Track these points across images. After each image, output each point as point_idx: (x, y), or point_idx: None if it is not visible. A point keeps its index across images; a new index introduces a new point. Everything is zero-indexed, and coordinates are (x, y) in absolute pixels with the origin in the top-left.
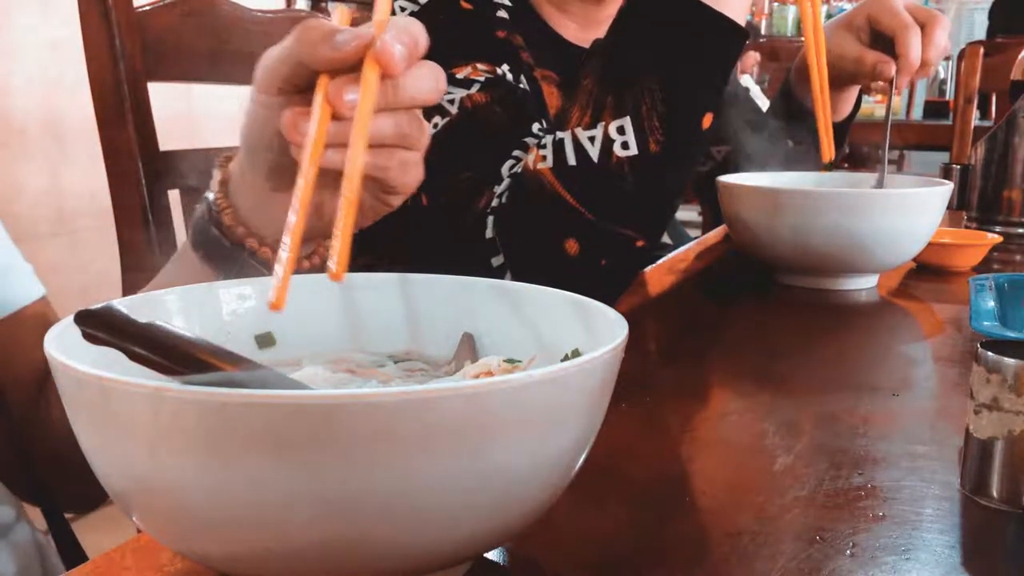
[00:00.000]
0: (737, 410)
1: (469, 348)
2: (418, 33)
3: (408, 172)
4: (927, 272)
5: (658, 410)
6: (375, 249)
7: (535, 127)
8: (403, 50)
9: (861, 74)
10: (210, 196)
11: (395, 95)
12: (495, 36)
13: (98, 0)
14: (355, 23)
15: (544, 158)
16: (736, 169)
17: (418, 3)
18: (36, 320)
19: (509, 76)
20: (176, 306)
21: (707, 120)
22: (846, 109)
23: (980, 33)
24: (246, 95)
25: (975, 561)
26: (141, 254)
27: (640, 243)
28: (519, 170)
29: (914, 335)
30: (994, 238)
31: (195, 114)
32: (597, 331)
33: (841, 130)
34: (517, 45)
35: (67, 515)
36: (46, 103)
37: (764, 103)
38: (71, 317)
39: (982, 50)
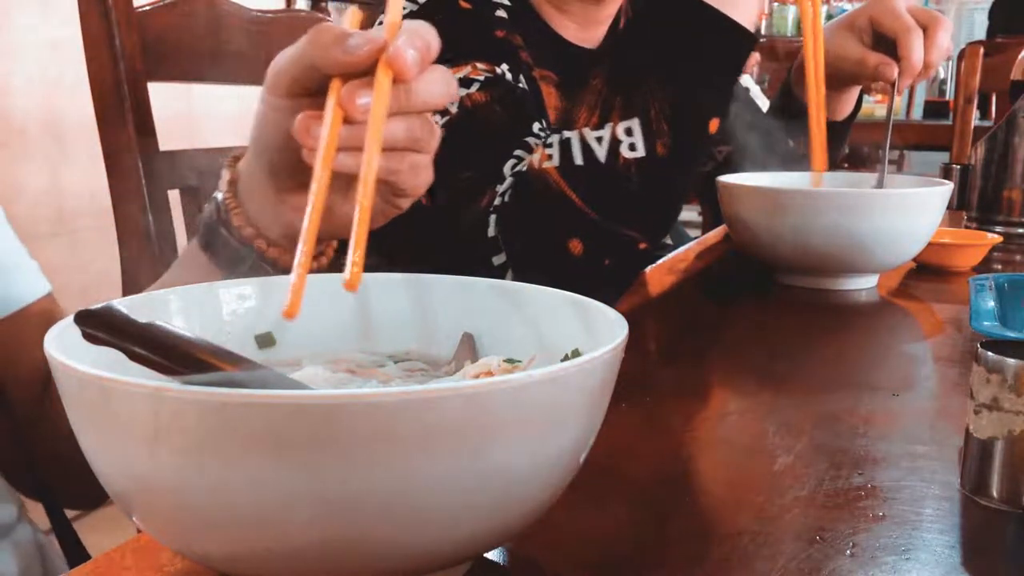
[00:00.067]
0: (737, 410)
1: (469, 348)
2: (430, 37)
3: (418, 175)
4: (927, 272)
5: (658, 410)
6: (376, 249)
7: (535, 127)
8: (416, 55)
9: (863, 75)
10: (219, 196)
11: (407, 99)
12: (494, 36)
13: (98, 0)
14: (363, 25)
15: (550, 157)
16: (736, 169)
17: (417, 2)
18: (42, 317)
19: (508, 76)
20: (176, 306)
21: (714, 124)
22: (847, 109)
23: (980, 33)
24: (246, 95)
25: (975, 561)
26: (141, 254)
27: (643, 245)
28: (523, 169)
29: (914, 335)
30: (994, 238)
31: (195, 114)
32: (597, 331)
33: (842, 130)
34: (516, 45)
35: (69, 514)
36: (46, 103)
37: (764, 103)
38: (71, 317)
39: (982, 50)
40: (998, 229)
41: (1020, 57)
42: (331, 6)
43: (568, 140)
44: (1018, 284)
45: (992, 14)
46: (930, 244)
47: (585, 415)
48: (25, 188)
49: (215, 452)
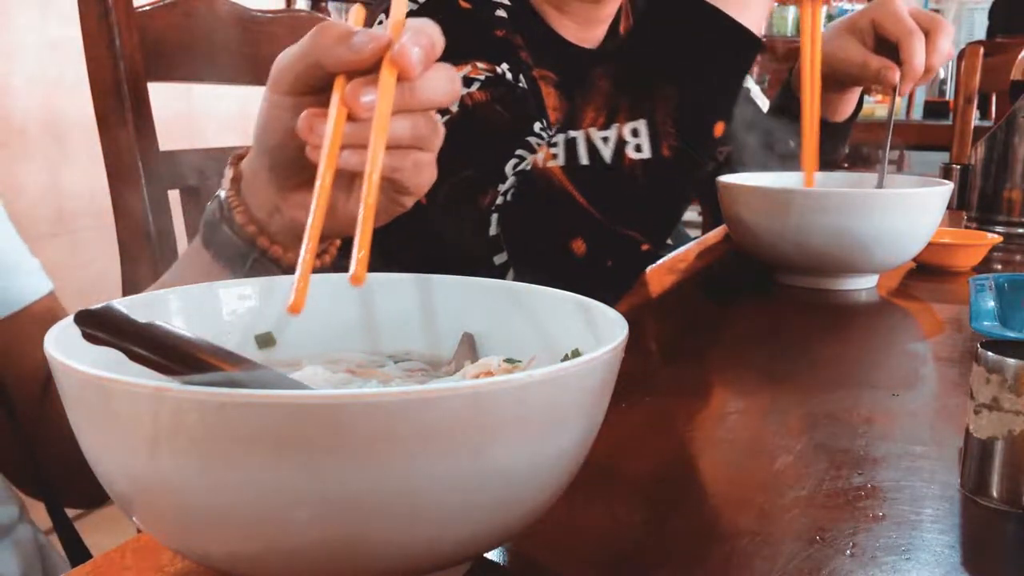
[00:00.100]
0: (737, 410)
1: (469, 348)
2: (435, 35)
3: (421, 173)
4: (927, 272)
5: (658, 410)
6: (377, 247)
7: (536, 126)
8: (420, 53)
9: (865, 79)
10: (222, 194)
11: (412, 97)
12: (494, 35)
13: (98, 0)
14: (366, 24)
15: (555, 156)
16: (737, 169)
17: (417, 2)
18: (43, 316)
19: (508, 75)
20: (176, 306)
21: (719, 128)
22: (848, 110)
23: (980, 33)
24: (246, 95)
25: (975, 561)
26: (141, 254)
27: (645, 246)
28: (528, 168)
29: (914, 335)
30: (994, 238)
31: (195, 114)
32: (597, 331)
33: (843, 130)
34: (516, 44)
35: (69, 513)
36: (46, 103)
37: (764, 103)
38: (71, 317)
39: (982, 50)
40: (998, 229)
41: (1020, 57)
42: (331, 6)
43: (574, 140)
44: (1018, 284)
45: (992, 14)
46: (930, 244)
47: (585, 415)
48: (25, 188)
49: (215, 452)
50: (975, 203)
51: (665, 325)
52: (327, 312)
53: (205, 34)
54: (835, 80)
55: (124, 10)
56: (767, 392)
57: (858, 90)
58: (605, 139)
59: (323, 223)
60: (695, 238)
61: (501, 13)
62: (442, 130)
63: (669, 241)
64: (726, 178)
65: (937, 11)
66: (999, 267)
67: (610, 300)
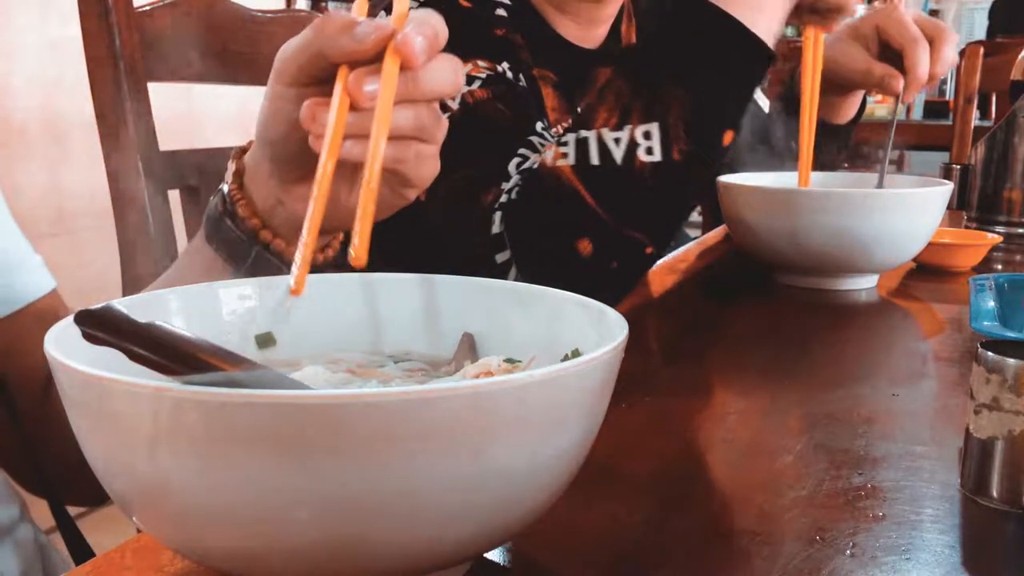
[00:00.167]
0: (737, 410)
1: (469, 348)
2: (438, 26)
3: (424, 165)
4: (927, 272)
5: (658, 410)
6: (377, 245)
7: (539, 126)
8: (423, 42)
9: (868, 85)
10: (224, 188)
11: (415, 87)
12: (494, 34)
13: (98, 0)
14: (369, 15)
15: (565, 155)
16: (738, 169)
17: (416, 0)
18: (46, 314)
19: (509, 74)
20: (176, 306)
21: (728, 136)
22: (850, 112)
23: (980, 33)
24: (246, 95)
25: (975, 561)
26: (141, 254)
27: (649, 250)
28: (535, 166)
29: (914, 335)
30: (994, 238)
31: (195, 114)
32: (597, 331)
33: (845, 132)
34: (516, 43)
35: (71, 512)
36: (46, 103)
37: (765, 103)
38: (71, 317)
39: (982, 50)
40: (998, 229)
41: (1020, 57)
42: (330, 6)
43: (585, 139)
44: (1018, 284)
45: (992, 14)
46: (930, 244)
47: (585, 415)
48: (25, 188)
49: (215, 452)
50: (975, 203)
51: (665, 325)
52: (327, 312)
53: (205, 34)
54: (839, 85)
55: (124, 10)
56: (767, 392)
57: (861, 93)
58: (617, 140)
59: (326, 215)
60: (695, 238)
61: (501, 12)
62: (445, 122)
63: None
64: (726, 178)
65: (937, 11)
66: (999, 267)
67: (611, 301)
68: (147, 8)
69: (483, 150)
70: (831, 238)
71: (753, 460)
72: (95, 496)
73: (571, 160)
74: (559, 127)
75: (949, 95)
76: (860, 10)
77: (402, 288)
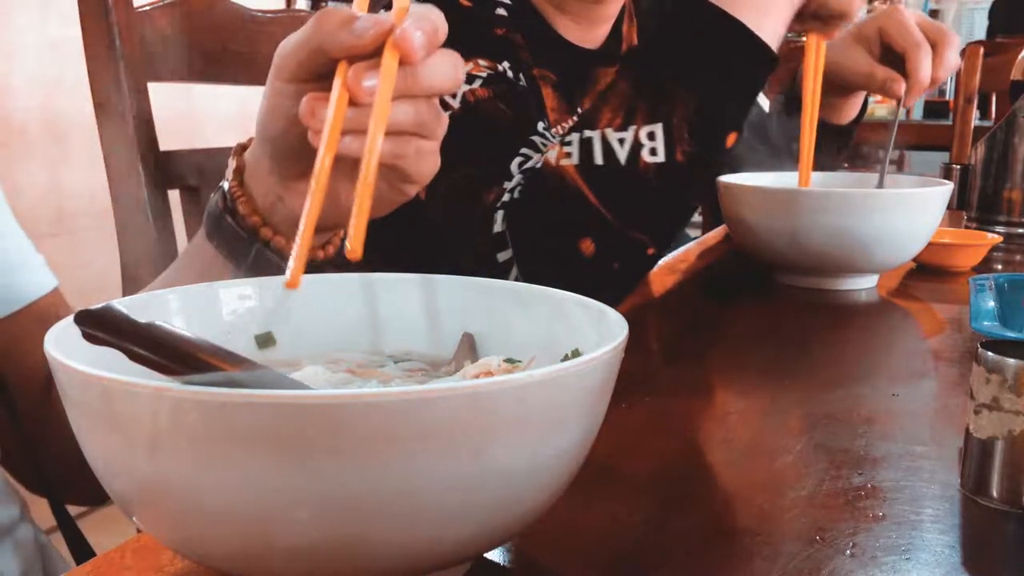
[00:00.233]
0: (737, 410)
1: (469, 348)
2: (438, 21)
3: (424, 161)
4: (927, 272)
5: (658, 410)
6: (377, 243)
7: (540, 125)
8: (423, 37)
9: (870, 88)
10: (225, 185)
11: (414, 82)
12: (494, 33)
13: (98, 0)
14: (369, 10)
15: (569, 155)
16: (738, 169)
17: None
18: (48, 313)
19: (509, 73)
20: (176, 306)
21: (731, 139)
22: (852, 113)
23: (980, 33)
24: (246, 95)
25: (975, 561)
26: (141, 254)
27: (651, 251)
28: (537, 166)
29: (914, 335)
30: (994, 238)
31: (195, 114)
32: (597, 331)
33: (847, 132)
34: (516, 43)
35: (71, 512)
36: (46, 103)
37: (765, 103)
38: (71, 317)
39: (982, 50)
40: (998, 229)
41: (1020, 57)
42: (330, 6)
43: (589, 139)
44: (1018, 284)
45: (992, 14)
46: (930, 244)
47: (585, 415)
48: (25, 188)
49: (215, 452)
50: (975, 203)
51: (665, 325)
52: (327, 312)
53: (205, 34)
54: (841, 87)
55: (124, 10)
56: (767, 392)
57: (863, 94)
58: (621, 140)
59: (325, 212)
60: (695, 238)
61: (501, 12)
62: (445, 119)
63: None
64: (726, 178)
65: (937, 11)
66: (999, 267)
67: (612, 302)
68: (147, 8)
69: (484, 149)
70: (831, 238)
71: (753, 460)
72: (95, 496)
73: (575, 160)
74: (559, 127)
75: (949, 95)
76: (862, 15)
77: (402, 288)
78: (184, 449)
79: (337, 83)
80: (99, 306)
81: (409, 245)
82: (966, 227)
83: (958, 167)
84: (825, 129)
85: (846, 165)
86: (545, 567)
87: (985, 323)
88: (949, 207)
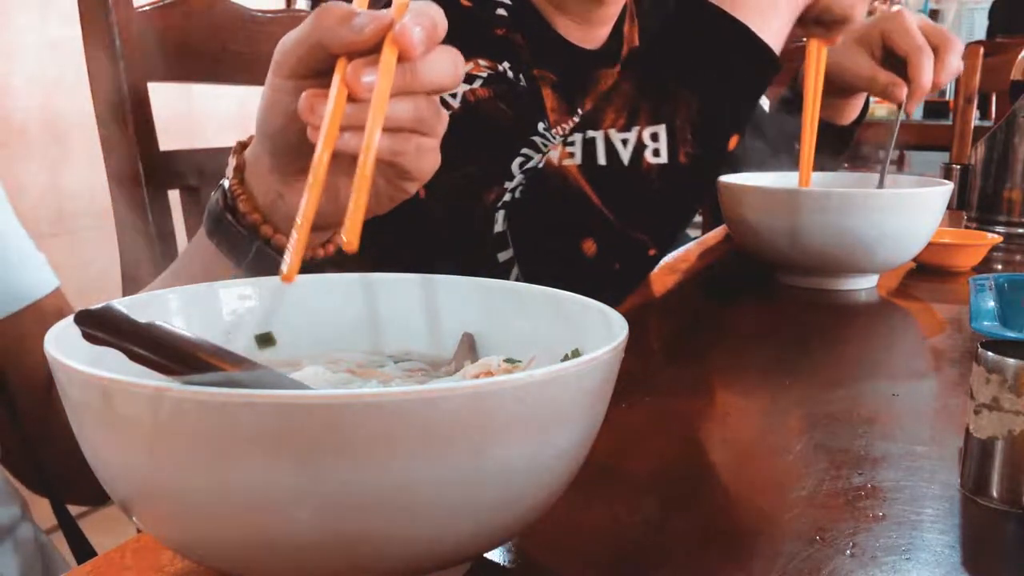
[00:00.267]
0: (737, 410)
1: (469, 348)
2: (437, 17)
3: (424, 158)
4: (927, 272)
5: (658, 410)
6: (377, 242)
7: (540, 126)
8: (422, 33)
9: (872, 92)
10: (225, 183)
11: (413, 78)
12: (494, 33)
13: (98, 0)
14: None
15: (572, 155)
16: (738, 169)
17: None
18: (50, 313)
19: (510, 74)
20: (176, 306)
21: (733, 141)
22: (853, 114)
23: (980, 33)
24: (246, 95)
25: (975, 561)
26: (141, 254)
27: (652, 252)
28: (540, 165)
29: (914, 335)
30: (994, 238)
31: (195, 114)
32: (597, 331)
33: (848, 132)
34: (516, 43)
35: (72, 511)
36: (46, 103)
37: (765, 103)
38: (71, 317)
39: (982, 50)
40: (998, 229)
41: (1020, 57)
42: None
43: (593, 139)
44: (1018, 284)
45: (992, 14)
46: (930, 244)
47: (585, 415)
48: (25, 188)
49: (215, 452)
50: (975, 203)
51: (666, 325)
52: (327, 312)
53: (205, 34)
54: (843, 89)
55: (124, 10)
56: (767, 392)
57: (864, 95)
58: (624, 141)
59: (326, 210)
60: (695, 238)
61: (501, 12)
62: (445, 116)
63: None
64: (726, 178)
65: (937, 11)
66: (999, 267)
67: (612, 302)
68: (147, 8)
69: (485, 148)
70: (832, 238)
71: (753, 460)
72: (96, 496)
73: (578, 160)
74: (560, 128)
75: (949, 95)
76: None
77: (402, 288)
78: (184, 449)
79: (336, 79)
80: (99, 306)
81: (409, 244)
82: (966, 227)
83: (958, 167)
84: (826, 130)
85: (846, 165)
86: (545, 567)
87: (985, 323)
88: (949, 207)
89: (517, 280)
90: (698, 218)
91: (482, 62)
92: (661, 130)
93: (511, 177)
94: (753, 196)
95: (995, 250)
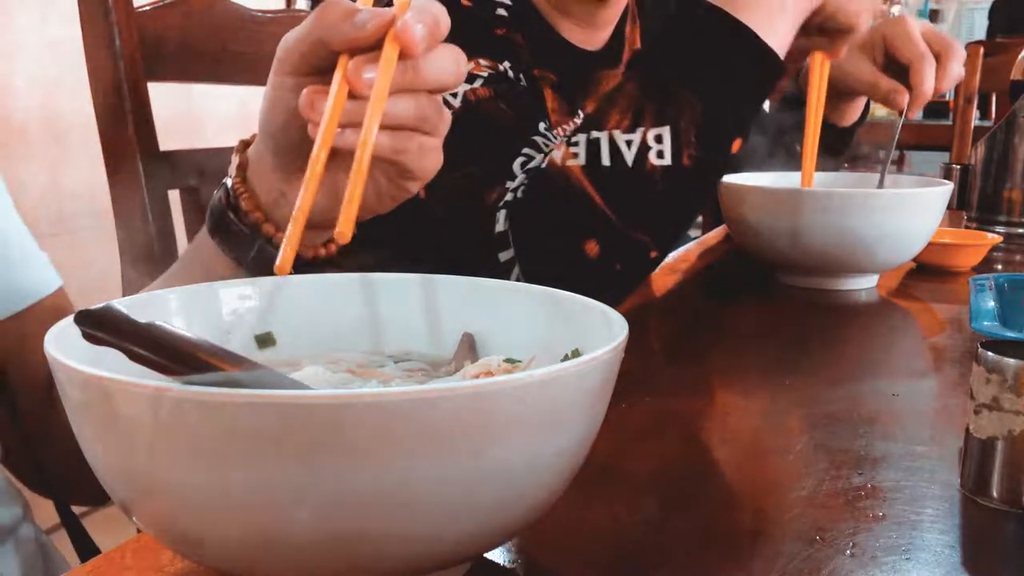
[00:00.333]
0: (737, 410)
1: (469, 348)
2: (439, 14)
3: (426, 157)
4: (927, 272)
5: (658, 410)
6: (378, 241)
7: (541, 126)
8: (423, 30)
9: (873, 97)
10: (228, 181)
11: (415, 76)
12: (494, 33)
13: (98, 0)
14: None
15: (575, 156)
16: (739, 169)
17: None
18: (52, 312)
19: (510, 74)
20: (176, 306)
21: (736, 144)
22: (854, 116)
23: (980, 33)
24: (246, 95)
25: (975, 561)
26: (141, 254)
27: (654, 254)
28: (542, 166)
29: (914, 335)
30: (994, 238)
31: (195, 114)
32: (597, 331)
33: (848, 134)
34: (517, 44)
35: (75, 511)
36: (46, 103)
37: (766, 104)
38: (71, 317)
39: (982, 50)
40: (998, 229)
41: (1020, 57)
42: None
43: (597, 140)
44: (1018, 284)
45: (992, 14)
46: (930, 244)
47: (585, 415)
48: (25, 188)
49: (215, 452)
50: (975, 203)
51: (666, 325)
52: (327, 312)
53: (205, 34)
54: (844, 92)
55: (124, 10)
56: (767, 392)
57: (864, 98)
58: (629, 142)
59: (327, 209)
60: (695, 238)
61: (501, 12)
62: (448, 115)
63: None
64: (727, 178)
65: (937, 11)
66: (999, 267)
67: (612, 303)
68: (147, 8)
69: (486, 148)
70: (832, 238)
71: (753, 460)
72: (97, 496)
73: (581, 160)
74: (560, 128)
75: (949, 95)
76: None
77: (402, 288)
78: (184, 449)
79: (337, 76)
80: (99, 306)
81: (410, 243)
82: (966, 227)
83: (958, 167)
84: (827, 131)
85: (846, 165)
86: (545, 567)
87: (985, 323)
88: (949, 207)
89: (518, 280)
90: (698, 218)
91: (483, 62)
92: (665, 132)
93: (512, 177)
94: (754, 196)
95: (995, 250)
